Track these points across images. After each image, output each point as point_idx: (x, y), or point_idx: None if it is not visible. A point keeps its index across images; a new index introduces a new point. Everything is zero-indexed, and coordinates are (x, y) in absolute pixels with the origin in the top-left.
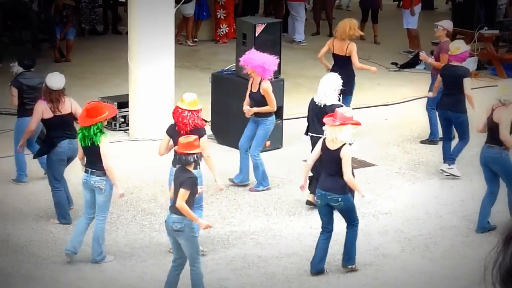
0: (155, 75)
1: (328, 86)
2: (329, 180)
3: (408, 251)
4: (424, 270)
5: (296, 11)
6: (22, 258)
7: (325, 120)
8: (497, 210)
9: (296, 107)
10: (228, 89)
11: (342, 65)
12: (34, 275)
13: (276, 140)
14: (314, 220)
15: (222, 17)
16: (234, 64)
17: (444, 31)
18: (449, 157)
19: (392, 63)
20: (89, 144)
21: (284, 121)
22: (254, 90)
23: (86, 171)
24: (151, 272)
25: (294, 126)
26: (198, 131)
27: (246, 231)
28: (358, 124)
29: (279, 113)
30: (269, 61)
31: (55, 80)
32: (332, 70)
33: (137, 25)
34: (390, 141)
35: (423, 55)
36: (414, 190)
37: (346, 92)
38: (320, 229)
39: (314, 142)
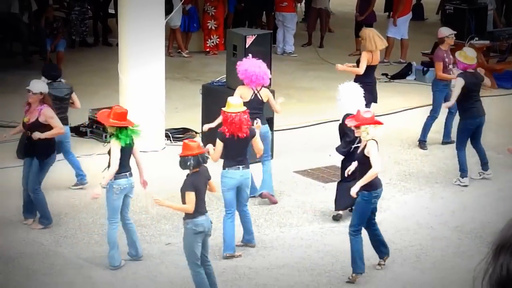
0: (145, 87)
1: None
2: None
3: (399, 262)
4: (415, 281)
5: (289, 22)
6: (12, 270)
7: (346, 121)
8: (489, 220)
9: (286, 118)
10: (219, 100)
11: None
12: (24, 287)
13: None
14: (305, 231)
15: (213, 28)
16: (225, 75)
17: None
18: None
19: (383, 74)
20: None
21: (274, 132)
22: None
23: (130, 175)
24: (142, 284)
25: (285, 138)
26: (252, 130)
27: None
28: (378, 123)
29: (269, 124)
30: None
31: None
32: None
33: (127, 36)
34: (381, 152)
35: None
36: (404, 201)
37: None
38: (353, 232)
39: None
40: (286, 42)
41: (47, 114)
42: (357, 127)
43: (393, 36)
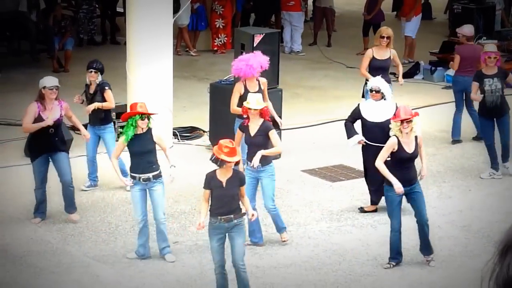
0: (153, 85)
1: None
2: None
3: (406, 261)
4: (423, 280)
5: (296, 21)
6: (20, 268)
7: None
8: (496, 220)
9: (294, 117)
10: (226, 99)
11: None
12: (32, 285)
13: None
14: (312, 230)
15: (221, 27)
16: (233, 74)
17: (464, 38)
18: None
19: (390, 73)
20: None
21: (282, 131)
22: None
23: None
24: (149, 282)
25: (292, 137)
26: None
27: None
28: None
29: (277, 123)
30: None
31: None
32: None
33: (135, 35)
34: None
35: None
36: None
37: None
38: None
39: None
40: (294, 41)
41: (68, 107)
42: (408, 121)
43: (410, 35)
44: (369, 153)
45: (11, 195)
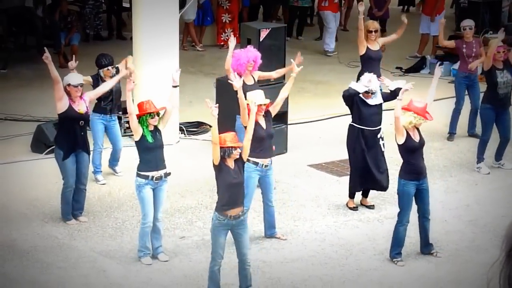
0: (159, 80)
1: None
2: None
3: (413, 256)
4: (430, 275)
5: (326, 21)
6: (27, 264)
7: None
8: (503, 214)
9: (300, 112)
10: (233, 94)
11: None
12: (39, 280)
13: (280, 145)
14: (319, 225)
15: (227, 22)
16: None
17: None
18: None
19: (397, 68)
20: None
21: (288, 126)
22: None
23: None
24: (156, 277)
25: (299, 131)
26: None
27: (251, 236)
28: (421, 115)
29: (283, 118)
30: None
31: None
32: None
33: (141, 30)
34: (395, 146)
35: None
36: None
37: None
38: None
39: None
40: (324, 41)
41: (88, 96)
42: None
43: (426, 32)
44: (368, 140)
45: (18, 190)
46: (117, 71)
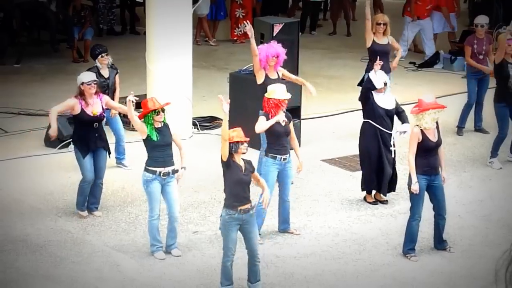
0: (173, 75)
1: None
2: None
3: (426, 251)
4: (443, 270)
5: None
6: (40, 258)
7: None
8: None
9: (313, 107)
10: (246, 89)
11: None
12: (52, 274)
13: None
14: (332, 220)
15: (241, 16)
16: (252, 64)
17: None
18: None
19: (410, 63)
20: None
21: (302, 120)
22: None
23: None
24: (169, 272)
25: (312, 126)
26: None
27: (264, 231)
28: (440, 107)
29: (297, 112)
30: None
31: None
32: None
33: (155, 25)
34: (408, 141)
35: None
36: None
37: None
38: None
39: None
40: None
41: (108, 99)
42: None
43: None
44: (385, 141)
45: (32, 184)
46: (113, 66)
